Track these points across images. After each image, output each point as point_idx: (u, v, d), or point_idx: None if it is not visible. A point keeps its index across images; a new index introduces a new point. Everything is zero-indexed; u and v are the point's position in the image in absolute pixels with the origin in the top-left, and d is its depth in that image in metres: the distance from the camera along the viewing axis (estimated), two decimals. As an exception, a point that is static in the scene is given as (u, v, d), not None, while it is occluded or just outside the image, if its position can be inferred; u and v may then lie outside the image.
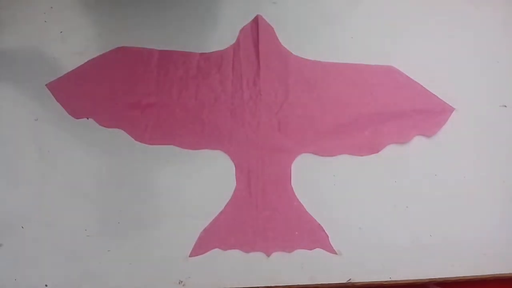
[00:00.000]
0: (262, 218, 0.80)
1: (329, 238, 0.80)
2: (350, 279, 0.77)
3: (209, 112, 0.87)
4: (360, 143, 0.87)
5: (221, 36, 0.93)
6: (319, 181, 0.84)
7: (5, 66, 0.87)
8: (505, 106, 0.92)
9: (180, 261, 0.76)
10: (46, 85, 0.85)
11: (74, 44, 0.89)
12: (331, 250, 0.79)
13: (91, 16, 0.92)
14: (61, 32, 0.91)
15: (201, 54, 0.91)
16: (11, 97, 0.85)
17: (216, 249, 0.77)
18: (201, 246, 0.77)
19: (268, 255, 0.78)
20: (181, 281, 0.75)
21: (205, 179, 0.82)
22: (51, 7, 0.92)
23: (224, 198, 0.81)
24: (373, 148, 0.87)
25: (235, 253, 0.78)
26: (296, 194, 0.82)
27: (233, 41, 0.93)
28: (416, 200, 0.83)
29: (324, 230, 0.80)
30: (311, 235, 0.80)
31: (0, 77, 0.86)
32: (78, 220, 0.77)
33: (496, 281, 0.80)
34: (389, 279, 0.78)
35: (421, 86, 0.92)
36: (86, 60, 0.88)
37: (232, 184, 0.82)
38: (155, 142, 0.84)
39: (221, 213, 0.80)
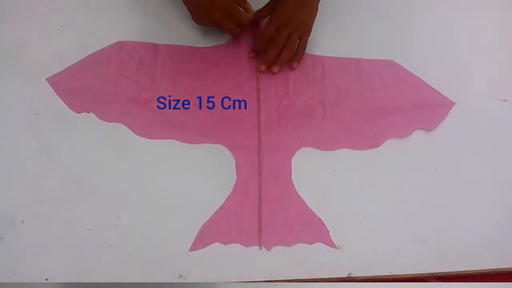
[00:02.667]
0: (263, 212, 0.80)
1: (330, 233, 0.79)
2: (350, 274, 0.77)
3: (210, 106, 0.87)
4: (361, 138, 0.87)
5: (221, 30, 0.93)
6: (320, 175, 0.84)
7: (6, 60, 0.87)
8: (506, 100, 0.92)
9: (180, 255, 0.76)
10: (46, 79, 0.86)
11: (74, 39, 0.90)
12: (331, 244, 0.79)
13: (91, 11, 0.93)
14: (61, 26, 0.91)
15: (201, 48, 0.91)
16: (11, 91, 0.85)
17: (217, 243, 0.77)
18: (202, 240, 0.77)
19: (269, 250, 0.78)
20: (181, 275, 0.75)
21: (205, 173, 0.82)
22: (51, 2, 0.93)
23: (224, 192, 0.81)
24: (373, 142, 0.87)
25: (236, 247, 0.77)
26: (296, 189, 0.82)
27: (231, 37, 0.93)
28: (417, 194, 0.83)
29: (324, 225, 0.80)
30: (312, 230, 0.80)
31: (0, 71, 0.86)
32: (79, 214, 0.77)
33: (497, 276, 0.79)
34: (390, 274, 0.77)
35: (421, 80, 0.92)
36: (86, 55, 0.88)
37: (233, 178, 0.82)
38: (156, 137, 0.84)
39: (221, 207, 0.80)
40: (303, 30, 0.90)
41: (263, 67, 0.90)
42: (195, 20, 0.88)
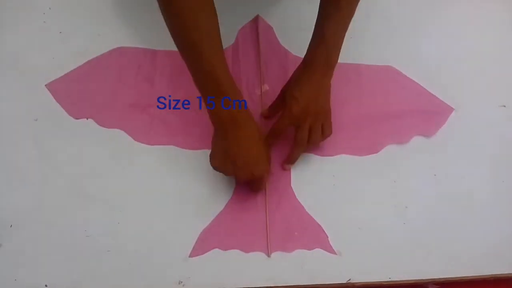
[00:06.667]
0: (262, 218, 0.80)
1: (329, 238, 0.79)
2: (349, 279, 0.77)
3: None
4: (360, 143, 0.87)
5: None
6: (319, 181, 0.84)
7: (5, 66, 0.87)
8: (504, 106, 0.92)
9: (180, 261, 0.76)
10: (45, 85, 0.86)
11: (73, 45, 0.90)
12: (330, 250, 0.79)
13: (90, 17, 0.93)
14: (60, 32, 0.91)
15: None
16: (11, 97, 0.85)
17: (216, 249, 0.77)
18: (201, 246, 0.77)
19: (268, 255, 0.78)
20: (181, 282, 0.75)
21: (205, 179, 0.82)
22: (50, 8, 0.93)
23: (224, 198, 0.81)
24: (372, 148, 0.87)
25: (235, 253, 0.77)
26: (296, 194, 0.82)
27: (232, 41, 0.93)
28: (416, 200, 0.83)
29: (323, 230, 0.80)
30: (311, 235, 0.80)
31: (-1, 78, 0.86)
32: (78, 220, 0.77)
33: (496, 281, 0.80)
34: (389, 279, 0.77)
35: (420, 86, 0.92)
36: (85, 61, 0.88)
37: (232, 184, 0.82)
38: (155, 143, 0.84)
39: (221, 213, 0.80)
40: (324, 115, 0.82)
41: (289, 167, 0.84)
42: (212, 161, 0.78)
